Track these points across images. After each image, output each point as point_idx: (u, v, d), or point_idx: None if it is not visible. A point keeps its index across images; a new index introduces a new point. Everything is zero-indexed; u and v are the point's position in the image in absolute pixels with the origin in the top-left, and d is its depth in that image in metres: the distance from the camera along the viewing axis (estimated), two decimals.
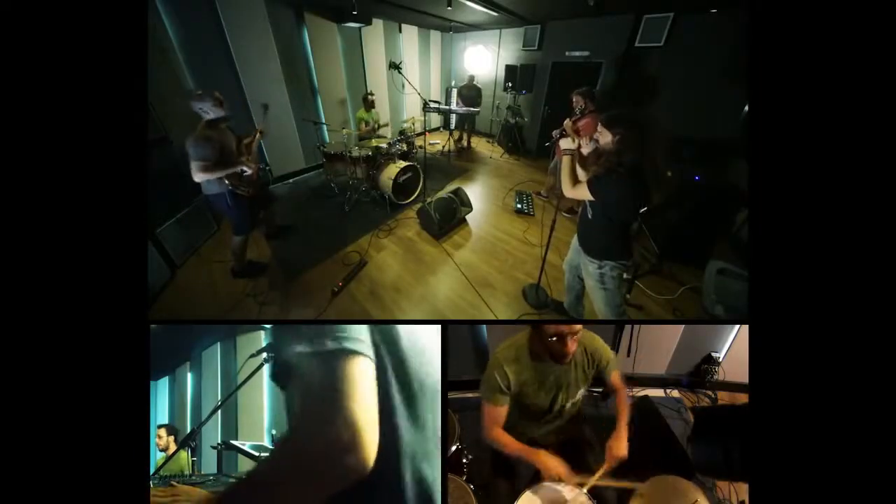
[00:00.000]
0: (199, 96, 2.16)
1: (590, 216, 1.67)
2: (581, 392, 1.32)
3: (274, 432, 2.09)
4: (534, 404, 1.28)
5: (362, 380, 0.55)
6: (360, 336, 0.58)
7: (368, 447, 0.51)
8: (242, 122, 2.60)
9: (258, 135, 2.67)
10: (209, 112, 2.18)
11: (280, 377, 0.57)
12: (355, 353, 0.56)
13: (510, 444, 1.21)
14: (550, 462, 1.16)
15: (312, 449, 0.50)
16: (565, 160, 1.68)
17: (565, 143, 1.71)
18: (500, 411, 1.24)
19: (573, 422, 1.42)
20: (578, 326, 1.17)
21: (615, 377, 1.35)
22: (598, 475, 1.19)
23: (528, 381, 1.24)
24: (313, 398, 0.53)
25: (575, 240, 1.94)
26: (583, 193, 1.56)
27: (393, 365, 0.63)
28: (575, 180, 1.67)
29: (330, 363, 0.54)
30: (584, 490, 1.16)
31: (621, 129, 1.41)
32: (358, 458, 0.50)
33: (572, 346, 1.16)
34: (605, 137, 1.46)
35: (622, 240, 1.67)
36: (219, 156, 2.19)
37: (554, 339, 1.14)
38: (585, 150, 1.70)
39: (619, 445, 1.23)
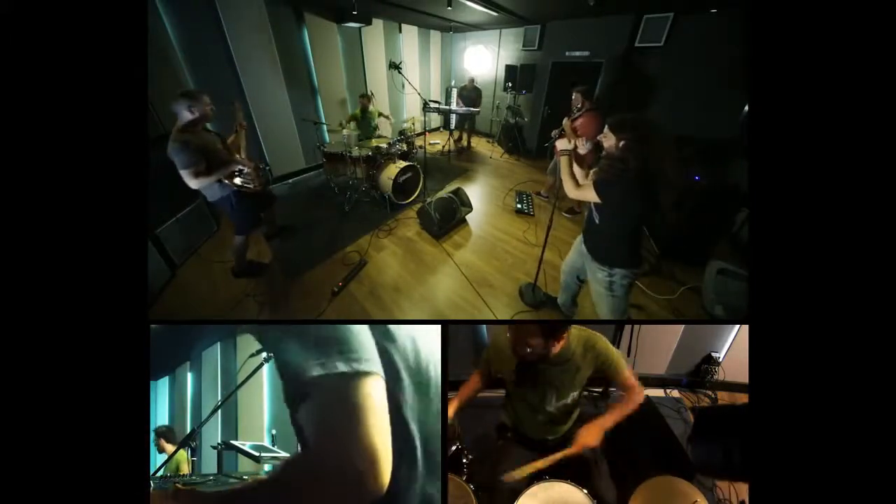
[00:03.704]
0: (183, 95, 2.05)
1: (597, 221, 1.61)
2: (573, 395, 1.31)
3: (274, 432, 2.09)
4: (525, 400, 1.36)
5: (375, 401, 0.55)
6: (368, 355, 0.58)
7: (383, 473, 0.51)
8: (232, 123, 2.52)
9: (241, 129, 2.50)
10: (185, 113, 2.06)
11: (294, 400, 0.56)
12: (367, 373, 0.56)
13: (461, 391, 1.39)
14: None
15: (328, 473, 0.50)
16: (563, 160, 1.65)
17: (561, 144, 1.68)
18: (477, 377, 1.42)
19: (571, 421, 1.42)
20: (562, 329, 1.17)
21: (626, 377, 1.28)
22: (556, 457, 1.23)
23: (507, 374, 1.33)
24: (328, 423, 0.53)
25: (577, 243, 1.92)
26: (589, 195, 1.52)
27: (401, 373, 0.64)
28: (576, 181, 1.65)
29: (342, 387, 0.55)
30: (535, 466, 1.23)
31: (627, 133, 1.37)
32: (373, 484, 0.50)
33: (553, 348, 1.16)
34: (610, 141, 1.42)
35: (633, 246, 1.62)
36: (205, 159, 2.11)
37: (532, 340, 1.14)
38: (582, 150, 1.65)
39: (591, 433, 1.24)
